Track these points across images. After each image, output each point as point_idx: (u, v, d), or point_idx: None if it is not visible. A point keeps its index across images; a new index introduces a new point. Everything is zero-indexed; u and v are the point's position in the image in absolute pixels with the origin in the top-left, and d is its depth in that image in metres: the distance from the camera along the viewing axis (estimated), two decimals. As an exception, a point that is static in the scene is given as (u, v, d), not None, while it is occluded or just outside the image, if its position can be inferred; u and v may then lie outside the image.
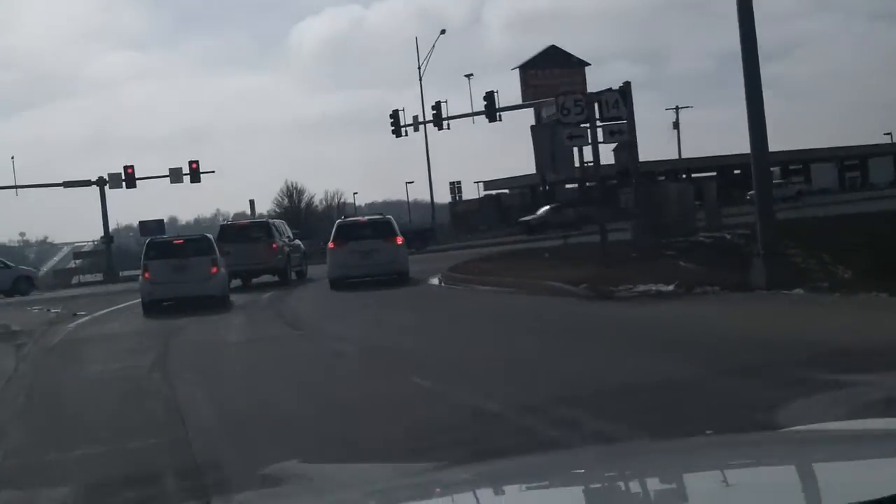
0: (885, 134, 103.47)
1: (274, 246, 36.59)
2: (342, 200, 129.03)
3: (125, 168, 66.76)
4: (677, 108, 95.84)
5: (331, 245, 33.92)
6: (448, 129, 56.81)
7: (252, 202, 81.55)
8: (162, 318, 26.79)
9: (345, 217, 35.99)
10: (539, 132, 33.70)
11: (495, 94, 54.69)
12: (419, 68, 67.92)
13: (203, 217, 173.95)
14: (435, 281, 33.01)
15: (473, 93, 65.78)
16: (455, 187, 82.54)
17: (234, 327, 22.48)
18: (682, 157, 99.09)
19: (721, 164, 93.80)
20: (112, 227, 71.52)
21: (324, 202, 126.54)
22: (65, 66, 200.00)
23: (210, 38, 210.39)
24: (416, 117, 59.75)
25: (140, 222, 75.70)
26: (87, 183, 68.30)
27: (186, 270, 29.11)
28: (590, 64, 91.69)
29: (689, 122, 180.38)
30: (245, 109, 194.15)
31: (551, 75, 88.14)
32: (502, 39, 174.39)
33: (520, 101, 79.29)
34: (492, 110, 51.42)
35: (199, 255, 29.50)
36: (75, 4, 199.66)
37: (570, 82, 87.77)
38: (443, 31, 64.85)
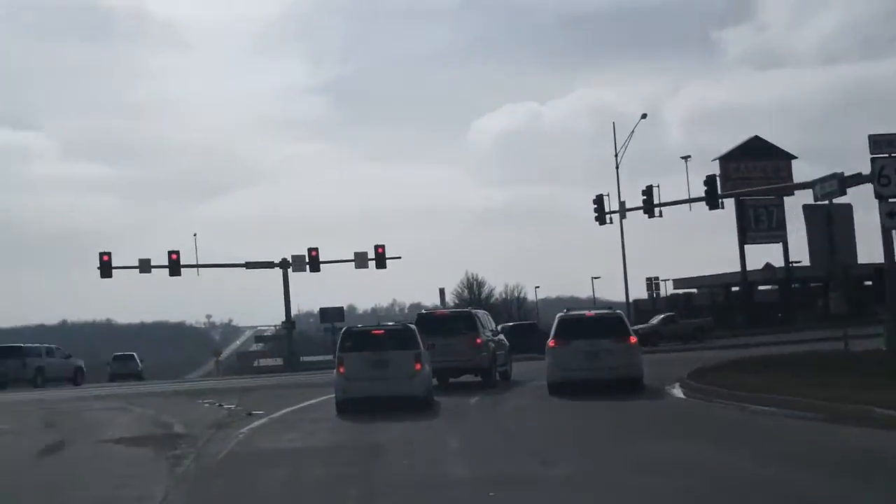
0: None
1: (479, 340, 30.53)
2: (522, 294, 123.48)
3: (309, 251, 62.65)
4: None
5: (551, 343, 27.73)
6: (660, 216, 50.41)
7: (442, 291, 76.62)
8: (357, 423, 21.16)
9: (567, 311, 29.54)
10: (813, 213, 26.87)
11: (716, 178, 48.13)
12: (616, 155, 61.99)
13: (380, 306, 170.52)
14: (677, 391, 26.56)
15: (690, 179, 59.34)
16: (652, 283, 75.41)
17: (453, 452, 16.26)
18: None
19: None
20: (293, 311, 67.07)
21: (503, 295, 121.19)
22: (252, 153, 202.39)
23: (390, 129, 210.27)
24: (623, 203, 53.54)
25: (321, 309, 71.93)
26: (270, 265, 64.28)
27: (387, 366, 23.62)
28: (797, 157, 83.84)
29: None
30: (421, 200, 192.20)
31: (754, 168, 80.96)
32: (680, 134, 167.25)
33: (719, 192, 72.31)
34: (713, 197, 44.65)
35: (402, 348, 23.89)
36: (263, 97, 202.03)
37: (774, 176, 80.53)
38: (643, 116, 58.55)
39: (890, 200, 22.27)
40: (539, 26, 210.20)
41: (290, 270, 63.54)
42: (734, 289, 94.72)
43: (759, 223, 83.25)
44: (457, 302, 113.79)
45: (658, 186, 50.78)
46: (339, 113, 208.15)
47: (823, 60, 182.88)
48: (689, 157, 65.82)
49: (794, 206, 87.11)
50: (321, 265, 63.28)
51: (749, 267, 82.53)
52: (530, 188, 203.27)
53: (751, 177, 78.76)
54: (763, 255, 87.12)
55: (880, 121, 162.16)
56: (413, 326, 25.03)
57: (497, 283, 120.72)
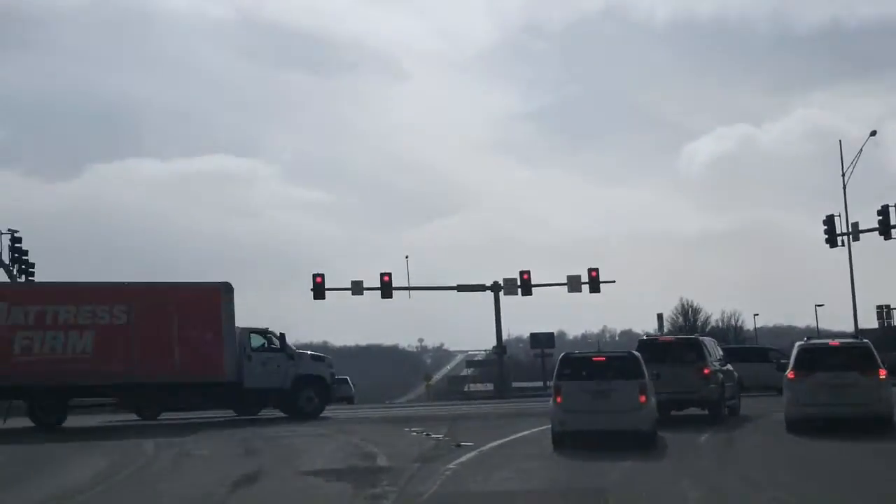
0: None
1: (706, 371, 27.68)
2: (740, 322, 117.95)
3: (521, 273, 60.74)
4: None
5: (790, 375, 24.75)
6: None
7: (660, 316, 73.20)
8: (575, 461, 19.08)
9: (808, 339, 26.42)
10: None
11: None
12: (843, 175, 57.43)
13: (590, 332, 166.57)
14: None
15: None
16: (883, 311, 69.76)
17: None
18: None
19: None
20: (503, 336, 65.32)
21: (720, 323, 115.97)
22: (465, 179, 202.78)
23: (600, 154, 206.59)
24: (855, 224, 49.13)
25: (531, 334, 70.08)
26: (481, 287, 62.66)
27: (609, 397, 21.33)
28: None
29: None
30: (633, 225, 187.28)
31: None
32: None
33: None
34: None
35: (626, 377, 21.55)
36: (476, 123, 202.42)
37: None
38: (873, 133, 53.80)
39: None
40: (753, 48, 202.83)
41: (501, 293, 61.82)
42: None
43: None
44: (670, 329, 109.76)
45: (895, 206, 46.30)
46: (550, 138, 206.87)
47: None
48: None
49: None
50: (533, 288, 61.29)
51: None
52: (747, 212, 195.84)
53: None
54: None
55: None
56: (638, 354, 22.60)
57: (713, 310, 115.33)
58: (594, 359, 22.41)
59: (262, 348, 34.81)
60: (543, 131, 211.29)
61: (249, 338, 34.64)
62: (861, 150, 53.51)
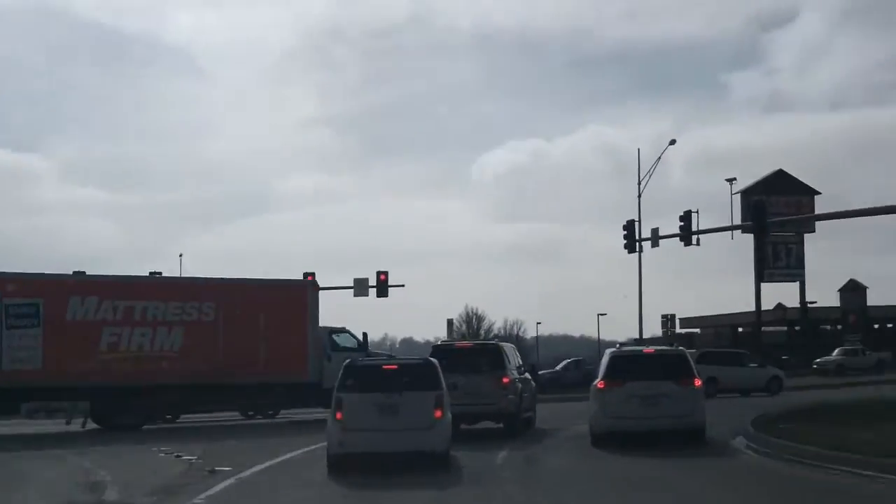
0: None
1: (506, 380, 24.58)
2: (522, 331, 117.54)
3: (305, 275, 56.68)
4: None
5: (600, 384, 21.95)
6: (698, 244, 44.60)
7: (450, 322, 70.78)
8: (355, 491, 15.63)
9: (620, 346, 23.64)
10: None
11: (691, 214, 43.03)
12: (639, 183, 56.89)
13: (371, 340, 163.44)
14: (740, 444, 21.62)
15: (722, 211, 53.78)
16: (668, 321, 69.44)
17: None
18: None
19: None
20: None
21: (503, 331, 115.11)
22: (256, 183, 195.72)
23: (395, 161, 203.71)
24: (655, 230, 47.66)
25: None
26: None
27: (399, 412, 17.70)
28: (820, 192, 78.35)
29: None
30: (425, 235, 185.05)
31: (777, 202, 75.10)
32: (686, 175, 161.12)
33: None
34: (760, 221, 38.73)
35: (420, 388, 17.96)
36: (273, 127, 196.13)
37: (797, 212, 74.92)
38: (672, 142, 53.71)
39: None
40: (551, 64, 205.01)
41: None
42: (740, 329, 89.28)
43: (777, 261, 77.80)
44: (455, 337, 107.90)
45: (697, 212, 45.23)
46: (346, 145, 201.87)
47: (830, 106, 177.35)
48: (735, 179, 62.33)
49: (815, 243, 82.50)
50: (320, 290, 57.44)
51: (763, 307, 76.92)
52: (536, 224, 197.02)
53: (773, 212, 73.20)
54: (776, 295, 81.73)
55: (885, 166, 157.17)
56: (435, 361, 19.00)
57: (497, 318, 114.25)
58: (384, 367, 18.77)
59: (341, 348, 33.01)
60: (340, 138, 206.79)
61: (331, 337, 33.60)
62: (659, 158, 53.24)
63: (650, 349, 23.38)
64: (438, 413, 17.82)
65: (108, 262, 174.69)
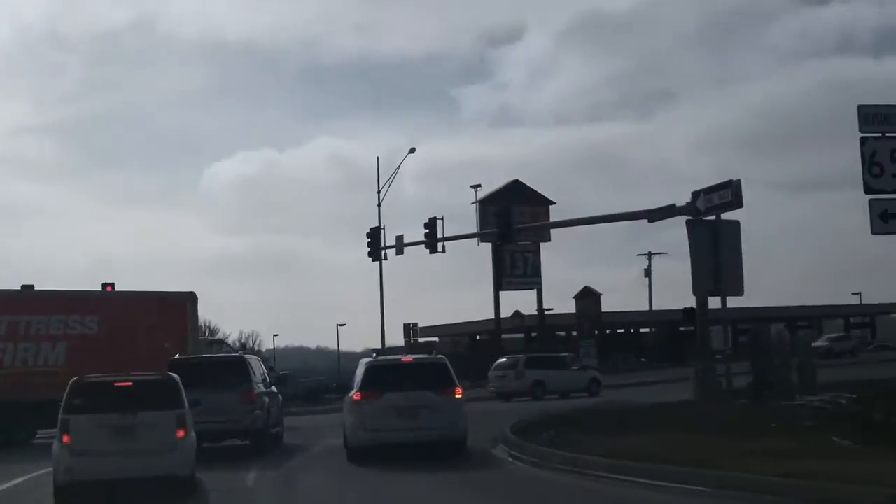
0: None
1: (252, 394, 22.79)
2: (258, 343, 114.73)
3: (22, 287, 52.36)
4: (650, 255, 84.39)
5: (356, 396, 20.60)
6: (443, 251, 44.35)
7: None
8: None
9: (376, 355, 22.33)
10: (698, 231, 21.00)
11: (436, 221, 43.28)
12: (378, 192, 56.60)
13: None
14: (501, 454, 20.94)
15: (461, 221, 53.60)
16: (411, 330, 68.98)
17: None
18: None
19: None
20: None
21: (238, 343, 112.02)
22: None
23: (119, 171, 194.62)
24: (399, 237, 46.91)
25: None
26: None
27: (136, 434, 15.64)
28: (555, 202, 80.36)
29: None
30: (153, 247, 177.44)
31: (514, 212, 76.09)
32: (418, 188, 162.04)
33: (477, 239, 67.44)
34: (505, 227, 38.60)
35: (159, 407, 15.96)
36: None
37: (533, 221, 76.37)
38: (412, 150, 53.51)
39: (882, 197, 16.47)
40: (281, 74, 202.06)
41: None
42: (478, 337, 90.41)
43: (514, 269, 79.09)
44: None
45: (442, 219, 44.82)
46: (67, 156, 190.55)
47: (556, 120, 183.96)
48: (479, 185, 62.21)
49: (550, 252, 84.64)
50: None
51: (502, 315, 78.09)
52: (268, 235, 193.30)
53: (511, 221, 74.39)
54: (514, 303, 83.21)
55: (608, 178, 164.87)
56: (176, 377, 17.00)
57: (231, 330, 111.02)
58: (117, 384, 16.53)
59: None
60: (60, 146, 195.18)
61: (210, 348, 34.15)
62: (399, 166, 53.11)
63: (408, 358, 22.21)
64: (181, 433, 15.93)
65: None
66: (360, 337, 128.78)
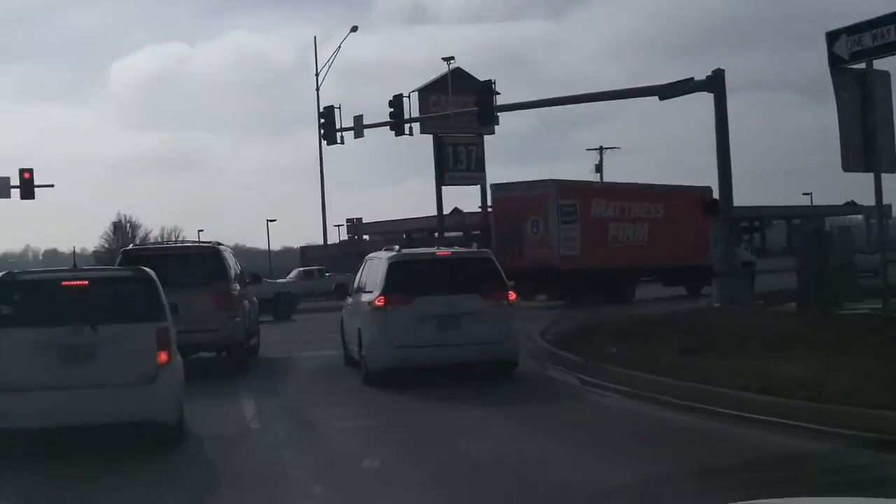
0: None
1: (232, 296, 17.00)
2: (181, 238, 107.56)
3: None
4: (601, 149, 79.22)
5: (378, 302, 14.91)
6: (410, 134, 39.09)
7: (117, 224, 60.81)
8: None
9: (399, 249, 16.35)
10: (848, 84, 15.46)
11: (402, 98, 39.15)
12: (317, 75, 51.11)
13: (11, 252, 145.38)
14: (563, 376, 15.51)
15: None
16: (354, 225, 63.07)
17: None
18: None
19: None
20: None
21: (160, 239, 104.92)
22: None
23: (25, 68, 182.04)
24: (358, 117, 41.00)
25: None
26: None
27: (95, 359, 9.92)
28: (500, 93, 74.35)
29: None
30: (61, 143, 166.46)
31: (456, 102, 70.14)
32: (334, 85, 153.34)
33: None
34: (488, 108, 33.10)
35: (128, 319, 10.31)
36: None
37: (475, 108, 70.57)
38: (354, 28, 49.91)
39: None
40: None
41: None
42: (414, 235, 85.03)
43: (457, 163, 73.31)
44: (106, 247, 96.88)
45: (409, 96, 39.65)
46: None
47: (472, 19, 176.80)
48: (453, 58, 56.99)
49: (494, 145, 78.97)
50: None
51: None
52: (184, 133, 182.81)
53: (450, 111, 68.49)
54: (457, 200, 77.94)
55: (523, 79, 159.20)
56: (151, 273, 11.11)
57: (154, 227, 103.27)
58: (64, 283, 10.54)
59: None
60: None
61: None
62: (339, 47, 49.57)
63: (445, 251, 16.41)
64: (163, 356, 10.21)
65: None
66: (293, 235, 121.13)
